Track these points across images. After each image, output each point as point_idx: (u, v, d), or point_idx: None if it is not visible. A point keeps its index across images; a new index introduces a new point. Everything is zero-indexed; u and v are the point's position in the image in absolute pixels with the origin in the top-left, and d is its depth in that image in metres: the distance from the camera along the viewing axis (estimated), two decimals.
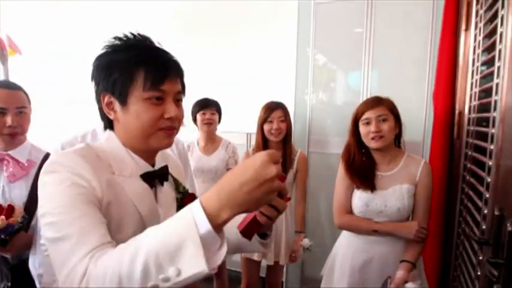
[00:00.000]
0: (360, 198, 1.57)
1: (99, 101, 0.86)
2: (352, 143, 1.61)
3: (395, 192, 1.51)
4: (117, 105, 0.83)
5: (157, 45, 0.87)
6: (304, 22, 2.60)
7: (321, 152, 2.63)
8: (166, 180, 0.93)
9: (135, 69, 0.80)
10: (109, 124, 0.89)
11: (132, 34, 0.85)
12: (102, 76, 0.83)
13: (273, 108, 2.06)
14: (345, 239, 1.68)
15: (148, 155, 0.89)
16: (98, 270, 0.61)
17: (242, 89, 2.98)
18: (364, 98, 2.44)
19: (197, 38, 3.10)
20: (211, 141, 2.43)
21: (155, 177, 0.89)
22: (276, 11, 2.80)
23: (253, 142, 2.84)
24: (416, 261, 1.53)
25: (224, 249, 0.60)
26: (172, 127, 0.85)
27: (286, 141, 2.10)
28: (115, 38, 0.84)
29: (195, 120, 2.43)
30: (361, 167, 1.58)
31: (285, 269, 2.65)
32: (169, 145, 0.87)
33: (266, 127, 2.06)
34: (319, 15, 2.55)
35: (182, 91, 0.89)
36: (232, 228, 0.81)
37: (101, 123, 0.90)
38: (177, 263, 0.57)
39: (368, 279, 1.57)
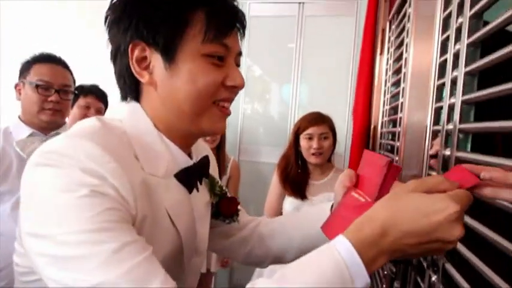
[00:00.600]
0: (290, 203, 1.65)
1: (122, 55, 0.58)
2: (290, 154, 1.69)
3: (324, 199, 1.61)
4: (157, 61, 0.57)
5: None
6: None
7: (252, 160, 2.70)
8: (207, 177, 0.71)
9: (193, 9, 0.56)
10: (133, 93, 0.61)
11: None
12: (134, 16, 0.56)
13: None
14: None
15: (188, 143, 0.65)
16: None
17: None
18: (293, 111, 2.58)
19: None
20: None
21: (195, 176, 0.65)
22: None
23: None
24: None
25: None
26: (231, 100, 0.63)
27: (220, 148, 2.13)
28: None
29: None
30: (296, 178, 1.66)
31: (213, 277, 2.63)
32: (223, 130, 0.64)
33: None
34: (253, 28, 2.63)
35: (241, 54, 0.65)
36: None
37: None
38: None
39: None
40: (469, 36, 0.60)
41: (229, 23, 0.59)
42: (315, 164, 1.62)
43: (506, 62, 0.51)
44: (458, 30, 0.64)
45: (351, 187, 0.64)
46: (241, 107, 2.70)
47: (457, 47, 0.64)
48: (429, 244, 0.44)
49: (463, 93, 0.60)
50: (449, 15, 0.69)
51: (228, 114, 0.63)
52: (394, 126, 1.39)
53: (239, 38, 0.63)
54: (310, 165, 1.65)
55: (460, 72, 0.62)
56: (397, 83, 1.39)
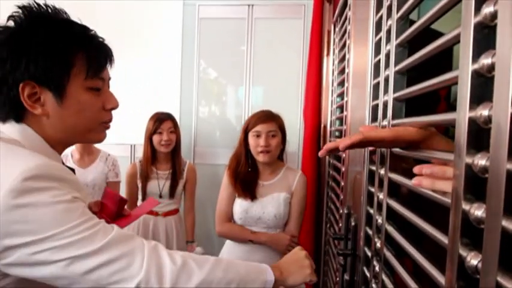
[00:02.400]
0: (240, 205, 1.64)
1: (10, 88, 0.66)
2: (240, 152, 1.68)
3: (273, 200, 1.62)
4: (48, 97, 0.67)
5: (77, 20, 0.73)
6: (189, 36, 2.65)
7: (208, 163, 2.67)
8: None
9: (74, 53, 0.67)
10: (16, 116, 0.69)
11: (42, 5, 0.68)
12: (23, 59, 0.65)
13: (163, 119, 2.04)
14: (226, 247, 1.74)
15: (64, 149, 0.78)
16: (191, 263, 0.68)
17: (126, 99, 2.84)
18: (247, 113, 2.59)
19: None
20: (87, 153, 2.24)
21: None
22: (161, 23, 2.77)
23: (138, 154, 2.72)
24: None
25: None
26: (111, 119, 0.78)
27: (175, 152, 2.09)
28: (21, 8, 0.67)
29: None
30: (246, 177, 1.66)
31: None
32: (104, 138, 0.80)
33: (156, 138, 2.03)
34: (203, 30, 2.61)
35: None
36: None
37: None
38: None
39: None
40: (397, 37, 0.63)
41: (103, 60, 0.73)
42: (264, 163, 1.63)
43: (435, 59, 0.55)
44: (388, 32, 0.68)
45: (98, 212, 0.91)
46: (195, 110, 2.67)
47: (388, 47, 0.68)
48: (301, 271, 0.87)
49: (394, 91, 0.64)
50: (381, 18, 0.73)
51: (109, 128, 0.79)
52: (341, 124, 1.45)
53: (109, 66, 0.78)
54: (260, 164, 1.66)
55: (391, 71, 0.65)
56: (342, 83, 1.45)
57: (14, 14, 0.67)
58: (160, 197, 2.06)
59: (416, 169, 0.51)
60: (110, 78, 0.78)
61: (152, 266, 0.64)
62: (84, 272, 0.61)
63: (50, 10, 0.70)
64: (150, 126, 2.05)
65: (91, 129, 0.75)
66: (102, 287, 0.62)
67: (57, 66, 0.66)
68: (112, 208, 0.93)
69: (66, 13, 0.73)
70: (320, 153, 0.63)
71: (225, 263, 0.74)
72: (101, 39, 0.75)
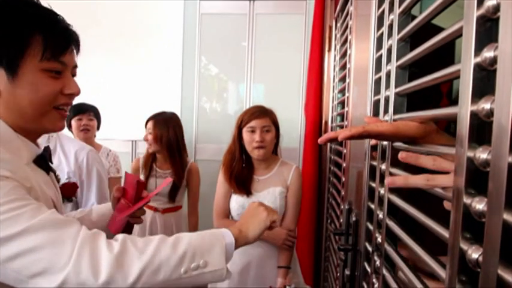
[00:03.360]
0: (236, 201, 1.64)
1: None
2: (234, 148, 1.68)
3: (268, 194, 1.62)
4: (1, 75, 0.68)
5: (47, 6, 0.74)
6: (190, 31, 2.64)
7: (210, 159, 2.67)
8: (52, 162, 0.83)
9: (31, 33, 0.67)
10: None
11: None
12: None
13: (148, 121, 2.09)
14: None
15: (35, 137, 0.77)
16: (131, 248, 0.65)
17: (127, 96, 2.84)
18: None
19: (83, 42, 2.85)
20: None
21: (47, 160, 0.79)
22: (162, 18, 2.77)
23: (139, 150, 2.73)
24: (290, 263, 1.66)
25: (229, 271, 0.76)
26: (69, 104, 0.76)
27: (173, 153, 2.10)
28: None
29: (69, 126, 2.22)
30: (241, 173, 1.66)
31: None
32: (63, 128, 0.78)
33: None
34: (204, 25, 2.61)
35: (76, 67, 0.79)
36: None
37: None
38: (207, 257, 0.71)
39: (247, 282, 1.65)
40: (399, 32, 0.63)
41: (63, 44, 0.71)
42: (258, 159, 1.63)
43: (437, 55, 0.55)
44: (390, 27, 0.68)
45: (120, 197, 0.93)
46: (196, 106, 2.66)
47: (390, 42, 0.68)
48: (257, 219, 0.86)
49: (396, 86, 0.64)
50: (383, 13, 0.73)
51: (66, 116, 0.77)
52: (342, 120, 1.44)
53: (75, 53, 0.77)
54: (254, 160, 1.66)
55: (393, 66, 0.65)
56: (343, 79, 1.45)
57: None
58: (156, 194, 2.08)
59: (402, 154, 0.51)
60: (75, 66, 0.77)
61: (84, 256, 0.59)
62: (3, 259, 0.56)
63: None
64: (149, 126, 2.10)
65: (44, 114, 0.72)
66: (25, 282, 0.58)
67: (11, 44, 0.66)
68: (131, 192, 0.93)
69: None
70: (320, 140, 0.63)
71: (172, 238, 0.70)
72: (66, 25, 0.75)
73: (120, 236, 0.67)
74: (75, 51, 0.77)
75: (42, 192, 0.71)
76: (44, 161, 0.77)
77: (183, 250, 0.68)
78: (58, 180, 0.89)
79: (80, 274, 0.58)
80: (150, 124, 2.07)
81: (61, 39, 0.71)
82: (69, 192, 0.96)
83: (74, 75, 0.78)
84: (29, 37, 0.68)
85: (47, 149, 0.81)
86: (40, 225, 0.59)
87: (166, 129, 2.10)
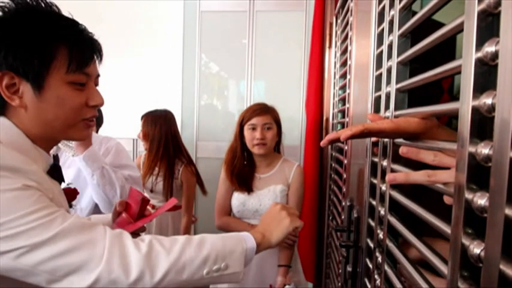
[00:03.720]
0: (237, 199, 1.65)
1: None
2: (236, 146, 1.68)
3: (269, 192, 1.63)
4: (27, 89, 0.66)
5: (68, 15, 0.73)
6: (190, 29, 2.63)
7: (211, 157, 2.68)
8: (61, 171, 0.82)
9: (56, 46, 0.66)
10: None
11: None
12: (1, 49, 0.64)
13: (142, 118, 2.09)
14: None
15: (52, 145, 0.76)
16: (158, 248, 0.66)
17: (128, 94, 2.85)
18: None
19: None
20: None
21: (59, 170, 0.77)
22: (162, 17, 2.76)
23: (140, 148, 2.74)
24: (291, 262, 1.67)
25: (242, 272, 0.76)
26: (95, 116, 0.76)
27: (166, 151, 2.09)
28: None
29: None
30: (242, 171, 1.66)
31: None
32: (88, 136, 0.80)
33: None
34: (204, 23, 2.60)
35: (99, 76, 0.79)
36: None
37: None
38: (228, 260, 0.72)
39: (247, 280, 1.65)
40: (399, 28, 0.63)
41: (88, 54, 0.71)
42: (260, 155, 1.63)
43: (438, 52, 0.54)
44: (391, 23, 0.68)
45: (122, 211, 0.93)
46: (197, 104, 2.66)
47: (390, 38, 0.67)
48: (280, 225, 0.85)
49: (397, 82, 0.64)
50: (383, 8, 0.73)
51: (92, 126, 0.77)
52: (343, 117, 1.44)
53: (97, 62, 0.76)
54: (256, 157, 1.66)
55: (394, 62, 0.65)
56: (344, 75, 1.44)
57: (2, 4, 0.67)
58: (152, 191, 2.08)
59: (402, 149, 0.51)
60: (98, 75, 0.77)
61: (115, 256, 0.62)
62: (37, 263, 0.58)
63: (41, 3, 0.69)
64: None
65: (71, 126, 0.72)
66: (59, 281, 0.59)
67: (37, 58, 0.65)
68: (135, 208, 0.92)
69: (57, 7, 0.72)
70: (322, 143, 0.63)
71: (197, 239, 0.71)
72: (90, 35, 0.74)
73: (147, 238, 0.68)
74: (97, 60, 0.76)
75: (59, 202, 0.71)
76: (56, 170, 0.76)
77: (207, 252, 0.70)
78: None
79: (111, 273, 0.61)
80: (141, 122, 2.10)
81: (85, 50, 0.70)
82: (70, 198, 0.96)
83: (96, 84, 0.77)
84: (54, 50, 0.66)
85: (56, 158, 0.80)
86: (70, 228, 0.60)
87: (154, 127, 2.08)
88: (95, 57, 0.74)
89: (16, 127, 0.68)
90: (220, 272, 0.71)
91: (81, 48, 0.69)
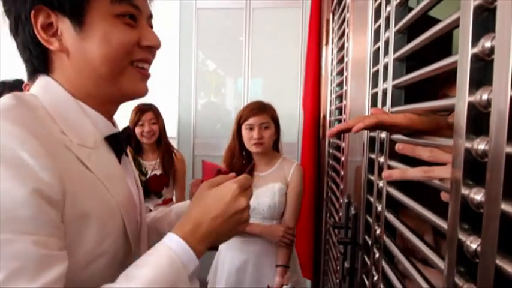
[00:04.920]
0: None
1: (25, 25, 0.54)
2: (234, 145, 1.68)
3: (267, 190, 1.63)
4: (66, 26, 0.54)
5: None
6: (186, 27, 2.62)
7: (207, 154, 2.67)
8: (131, 145, 0.73)
9: None
10: (43, 65, 0.57)
11: None
12: None
13: (144, 111, 2.03)
14: None
15: (110, 110, 0.63)
16: None
17: None
18: (246, 104, 2.59)
19: None
20: None
21: (123, 142, 0.65)
22: (158, 14, 2.74)
23: None
24: (289, 262, 1.67)
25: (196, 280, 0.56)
26: (149, 61, 0.63)
27: (160, 143, 2.08)
28: None
29: None
30: (241, 169, 1.66)
31: None
32: (146, 92, 0.64)
33: (138, 130, 2.02)
34: (201, 20, 2.59)
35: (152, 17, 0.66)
36: None
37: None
38: None
39: (244, 280, 1.65)
40: (396, 24, 0.63)
41: None
42: (258, 154, 1.62)
43: (435, 49, 0.54)
44: (387, 19, 0.67)
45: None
46: (194, 102, 2.66)
47: (387, 34, 0.67)
48: (232, 218, 0.58)
49: (394, 78, 0.64)
50: (380, 5, 0.73)
51: (148, 76, 0.64)
52: (340, 113, 1.44)
53: (148, 1, 0.64)
54: (255, 156, 1.66)
55: (390, 59, 0.65)
56: (341, 72, 1.44)
57: None
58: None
59: (399, 146, 0.51)
60: (151, 15, 0.65)
61: None
62: None
63: None
64: (132, 117, 2.04)
65: (121, 71, 0.58)
66: None
67: None
68: None
69: None
70: (329, 133, 0.61)
71: None
72: None
73: None
74: None
75: (95, 192, 0.54)
76: (116, 140, 0.62)
77: None
78: (145, 174, 0.76)
79: None
80: (151, 115, 2.02)
81: None
82: (156, 186, 0.86)
83: (151, 26, 0.65)
84: None
85: (127, 130, 0.68)
86: None
87: (162, 118, 2.10)
88: None
89: (63, 88, 0.57)
90: None
91: None
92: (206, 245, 0.56)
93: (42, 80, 0.57)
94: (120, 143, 0.64)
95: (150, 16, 0.64)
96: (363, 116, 0.72)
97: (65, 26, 0.54)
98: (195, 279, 0.55)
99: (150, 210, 2.02)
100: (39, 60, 0.57)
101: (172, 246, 0.53)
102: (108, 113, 0.63)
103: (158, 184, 0.81)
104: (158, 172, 2.04)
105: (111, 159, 0.61)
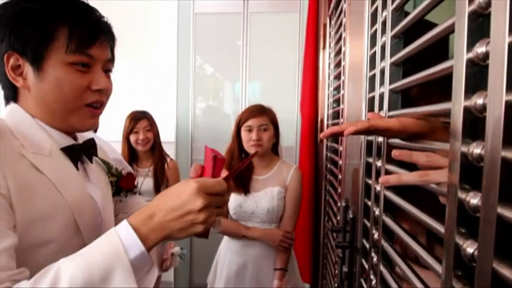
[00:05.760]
0: (234, 200, 1.64)
1: (0, 64, 0.66)
2: (234, 147, 1.68)
3: (266, 194, 1.62)
4: (28, 69, 0.65)
5: None
6: (184, 31, 2.63)
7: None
8: (96, 155, 0.78)
9: (56, 25, 0.64)
10: (12, 95, 0.69)
11: None
12: (6, 30, 0.64)
13: (138, 118, 2.04)
14: (225, 242, 1.74)
15: (67, 133, 0.73)
16: None
17: (122, 97, 2.83)
18: (244, 108, 2.59)
19: None
20: None
21: (80, 152, 0.73)
22: (156, 19, 2.75)
23: None
24: (287, 265, 1.66)
25: (154, 270, 0.58)
26: (100, 102, 0.71)
27: (154, 150, 2.08)
28: None
29: None
30: (240, 172, 1.65)
31: (173, 277, 2.61)
32: (93, 126, 0.73)
33: (132, 138, 2.03)
34: (198, 25, 2.60)
35: (112, 61, 0.74)
36: None
37: None
38: None
39: (243, 283, 1.64)
40: (392, 29, 0.63)
41: (91, 35, 0.67)
42: (257, 156, 1.62)
43: (432, 54, 0.55)
44: (384, 24, 0.68)
45: (197, 177, 0.77)
46: (192, 106, 2.66)
47: (383, 39, 0.68)
48: (186, 216, 0.58)
49: (390, 83, 0.64)
50: (376, 9, 0.73)
51: (98, 114, 0.72)
52: (338, 117, 1.45)
53: (109, 46, 0.72)
54: (253, 159, 1.65)
55: (387, 63, 0.65)
56: (338, 76, 1.45)
57: None
58: (140, 194, 2.06)
59: (395, 152, 0.51)
60: (110, 59, 0.72)
61: None
62: None
63: None
64: (126, 125, 2.04)
65: (72, 111, 0.68)
66: None
67: (36, 37, 0.64)
68: (208, 171, 0.75)
69: None
70: (322, 135, 0.61)
71: (49, 278, 0.51)
72: (97, 15, 0.71)
73: None
74: (109, 43, 0.72)
75: (44, 192, 0.62)
76: (73, 152, 0.71)
77: None
78: (116, 175, 0.84)
79: None
80: (145, 123, 2.03)
81: (87, 30, 0.67)
82: (128, 184, 0.90)
83: (109, 70, 0.73)
84: (54, 30, 0.65)
85: (89, 142, 0.75)
86: None
87: (156, 125, 2.10)
88: (102, 38, 0.69)
89: (25, 112, 0.68)
90: None
91: (82, 28, 0.66)
92: (158, 236, 0.57)
93: (9, 107, 0.69)
94: (76, 152, 0.72)
95: (109, 60, 0.72)
96: (357, 120, 0.72)
97: (28, 69, 0.66)
98: (153, 268, 0.58)
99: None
100: (9, 91, 0.69)
101: (119, 231, 0.56)
102: (67, 131, 0.72)
103: (127, 183, 0.87)
104: (151, 179, 2.04)
105: (67, 165, 0.70)
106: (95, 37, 0.68)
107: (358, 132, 0.55)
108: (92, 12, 0.71)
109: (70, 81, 0.66)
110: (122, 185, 0.86)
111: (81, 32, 0.66)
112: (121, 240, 0.55)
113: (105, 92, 0.71)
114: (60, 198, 0.64)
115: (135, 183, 0.90)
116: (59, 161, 0.68)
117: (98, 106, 0.71)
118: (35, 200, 0.60)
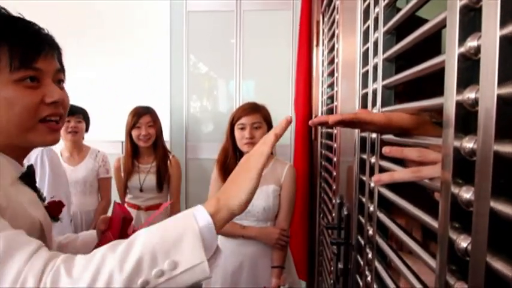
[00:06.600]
0: None
1: None
2: (228, 145, 1.68)
3: (262, 192, 1.62)
4: None
5: (17, 15, 0.69)
6: (177, 30, 2.62)
7: (200, 157, 2.67)
8: (35, 182, 0.77)
9: None
10: None
11: None
12: None
13: (141, 114, 2.02)
14: (220, 241, 1.74)
15: (20, 154, 0.71)
16: (74, 263, 0.52)
17: (115, 97, 2.81)
18: (238, 106, 2.59)
19: (70, 43, 2.80)
20: (77, 151, 2.23)
21: (34, 178, 0.74)
22: (148, 17, 2.73)
23: None
24: (284, 263, 1.66)
25: (220, 253, 0.60)
26: (58, 115, 0.69)
27: (157, 147, 2.07)
28: None
29: None
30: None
31: None
32: (55, 142, 0.71)
33: (134, 133, 2.02)
34: (191, 24, 2.59)
35: (62, 71, 0.73)
36: None
37: None
38: (173, 255, 0.53)
39: (240, 282, 1.64)
40: (384, 25, 0.63)
41: (33, 49, 0.66)
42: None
43: (425, 50, 0.55)
44: (376, 20, 0.68)
45: (105, 229, 0.87)
46: (186, 105, 2.65)
47: (376, 35, 0.68)
48: (238, 180, 0.64)
49: (383, 79, 0.64)
50: (368, 6, 0.73)
51: (58, 128, 0.71)
52: (332, 114, 1.45)
53: (55, 55, 0.71)
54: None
55: (380, 59, 0.65)
56: (331, 73, 1.45)
57: None
58: (141, 191, 2.06)
59: (385, 149, 0.51)
60: (59, 69, 0.71)
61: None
62: None
63: None
64: (129, 120, 2.04)
65: (29, 129, 0.66)
66: None
67: None
68: (117, 227, 0.84)
69: (4, 9, 0.68)
70: (310, 122, 0.62)
71: (125, 242, 0.54)
72: (36, 29, 0.69)
73: (57, 262, 0.53)
74: (55, 54, 0.71)
75: (24, 214, 0.65)
76: (29, 179, 0.72)
77: (136, 256, 0.51)
78: (43, 200, 0.83)
79: None
80: (148, 118, 2.02)
81: (28, 45, 0.66)
82: (55, 211, 0.91)
83: (61, 80, 0.72)
84: None
85: (30, 168, 0.75)
86: None
87: (159, 123, 2.10)
88: (46, 50, 0.68)
89: None
90: (168, 275, 0.52)
91: (22, 44, 0.65)
92: (218, 201, 0.61)
93: None
94: (32, 179, 0.73)
95: (59, 70, 0.71)
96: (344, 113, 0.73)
97: None
98: (218, 251, 0.60)
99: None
100: None
101: (193, 208, 0.60)
102: (18, 156, 0.71)
103: (55, 210, 0.86)
104: (153, 176, 2.03)
105: (27, 191, 0.71)
106: (37, 50, 0.66)
107: (343, 123, 0.56)
108: (29, 26, 0.69)
109: (20, 99, 0.64)
110: (52, 211, 0.85)
111: (22, 48, 0.64)
112: (193, 212, 0.58)
113: (61, 104, 0.69)
114: (32, 216, 0.66)
115: (60, 216, 0.91)
116: (20, 189, 0.69)
117: (57, 120, 0.70)
118: (17, 214, 0.62)
